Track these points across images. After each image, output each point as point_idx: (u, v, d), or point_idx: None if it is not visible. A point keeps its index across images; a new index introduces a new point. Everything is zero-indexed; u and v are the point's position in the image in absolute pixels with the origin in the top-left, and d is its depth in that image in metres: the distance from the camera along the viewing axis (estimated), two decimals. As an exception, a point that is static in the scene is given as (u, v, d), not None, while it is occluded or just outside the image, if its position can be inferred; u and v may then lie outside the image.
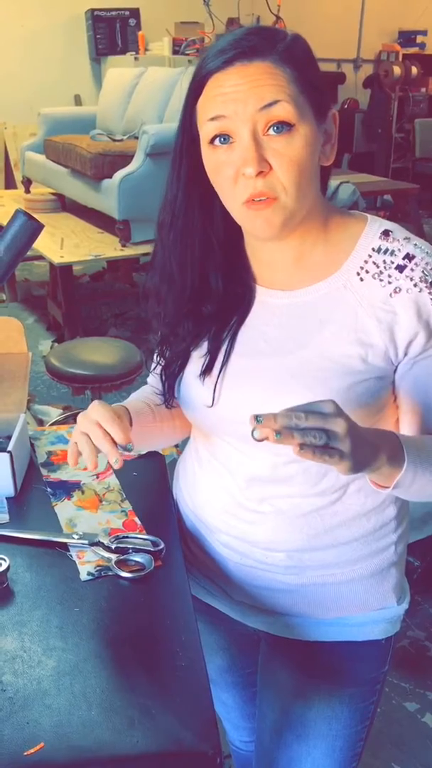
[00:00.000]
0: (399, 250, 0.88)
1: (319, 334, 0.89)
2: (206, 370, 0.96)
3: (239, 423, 0.93)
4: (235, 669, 1.25)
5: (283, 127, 0.80)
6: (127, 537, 1.05)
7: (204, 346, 0.97)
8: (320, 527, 0.95)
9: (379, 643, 1.02)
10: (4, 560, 0.96)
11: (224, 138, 0.83)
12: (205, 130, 0.84)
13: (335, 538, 0.96)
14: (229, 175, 0.84)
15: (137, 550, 1.02)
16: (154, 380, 1.13)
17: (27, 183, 5.24)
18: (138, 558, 1.00)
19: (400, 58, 7.61)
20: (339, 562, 0.97)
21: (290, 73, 0.81)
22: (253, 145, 0.81)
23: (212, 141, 0.84)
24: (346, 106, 7.83)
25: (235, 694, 1.29)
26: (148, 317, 1.02)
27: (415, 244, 0.89)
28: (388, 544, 0.99)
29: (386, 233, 0.90)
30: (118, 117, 4.77)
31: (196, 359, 0.98)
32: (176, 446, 1.40)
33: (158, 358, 1.03)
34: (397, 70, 7.31)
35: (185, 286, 0.95)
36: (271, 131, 0.81)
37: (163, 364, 1.03)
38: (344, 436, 0.72)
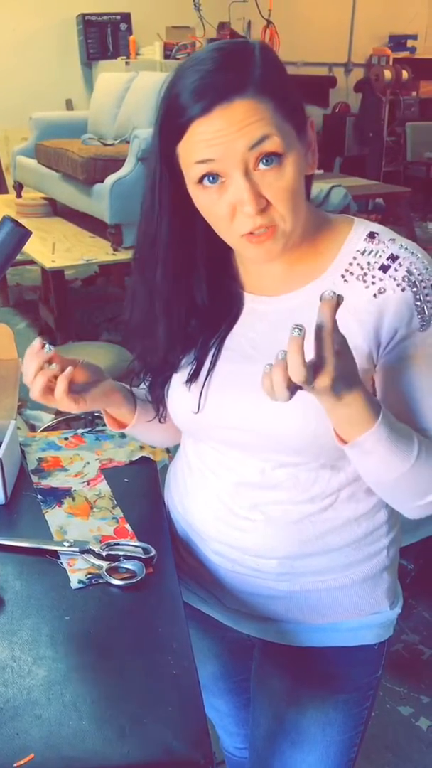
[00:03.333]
0: (383, 251, 0.87)
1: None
2: (192, 377, 0.96)
3: (226, 428, 0.93)
4: (228, 676, 1.25)
5: (272, 159, 0.79)
6: (118, 544, 1.04)
7: (191, 354, 0.97)
8: (311, 534, 0.95)
9: (372, 648, 1.02)
10: (-6, 569, 0.95)
11: (214, 178, 0.81)
12: (193, 171, 0.82)
13: (327, 544, 0.96)
14: (225, 213, 0.82)
15: (128, 558, 1.01)
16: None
17: (18, 187, 5.23)
18: (129, 565, 1.00)
19: (391, 62, 7.64)
20: (331, 567, 0.97)
21: (270, 102, 0.79)
22: (247, 184, 0.79)
23: (200, 181, 0.82)
24: (337, 110, 7.86)
25: (229, 700, 1.28)
26: (134, 354, 1.01)
27: (401, 245, 0.88)
28: (380, 548, 0.98)
29: (372, 235, 0.89)
30: (110, 121, 4.77)
31: (183, 366, 0.97)
32: (168, 451, 1.40)
33: (145, 375, 1.03)
34: (387, 73, 7.34)
35: (174, 315, 0.94)
36: (261, 165, 0.80)
37: (149, 379, 1.02)
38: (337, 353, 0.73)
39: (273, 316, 0.93)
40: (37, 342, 0.92)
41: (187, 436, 1.06)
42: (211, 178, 0.81)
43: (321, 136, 7.12)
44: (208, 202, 0.84)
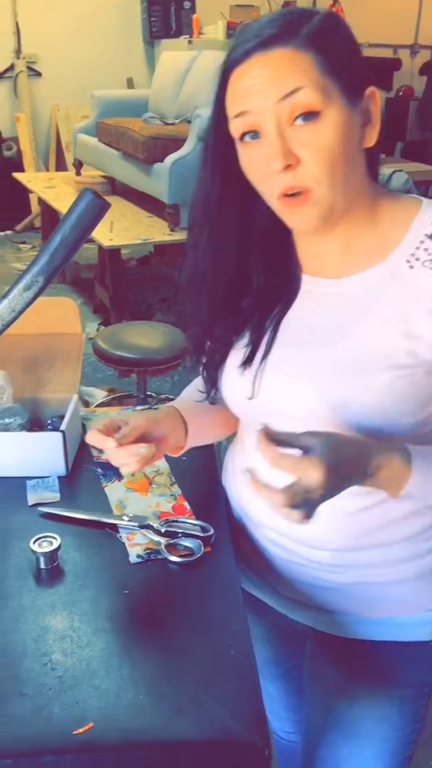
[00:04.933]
0: None
1: (363, 325, 0.86)
2: (247, 361, 0.94)
3: (280, 415, 0.91)
4: (279, 661, 1.24)
5: (309, 115, 0.77)
6: (176, 521, 1.04)
7: (246, 336, 0.95)
8: (367, 526, 0.93)
9: (427, 645, 1.00)
10: (56, 539, 0.96)
11: (253, 134, 0.80)
12: (234, 126, 0.82)
13: (382, 538, 0.93)
14: (262, 171, 0.81)
15: (187, 535, 1.01)
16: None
17: (78, 165, 5.26)
18: (187, 543, 0.99)
19: (459, 45, 7.42)
20: (386, 561, 0.94)
21: (314, 56, 0.77)
22: (278, 138, 0.78)
23: (242, 138, 0.81)
24: (400, 94, 7.67)
25: (279, 686, 1.28)
26: (182, 318, 0.99)
27: None
28: None
29: None
30: (171, 100, 4.74)
31: (238, 350, 0.95)
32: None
33: (198, 355, 1.01)
34: (455, 56, 7.12)
35: (219, 286, 0.93)
36: (298, 121, 0.77)
37: (204, 360, 1.00)
38: (317, 488, 0.73)
39: (332, 300, 0.90)
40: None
41: (243, 422, 1.04)
42: (251, 135, 0.80)
43: (383, 119, 6.94)
44: (248, 160, 0.82)
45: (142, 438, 0.95)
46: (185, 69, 4.73)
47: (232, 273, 0.93)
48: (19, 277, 0.69)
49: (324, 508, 0.93)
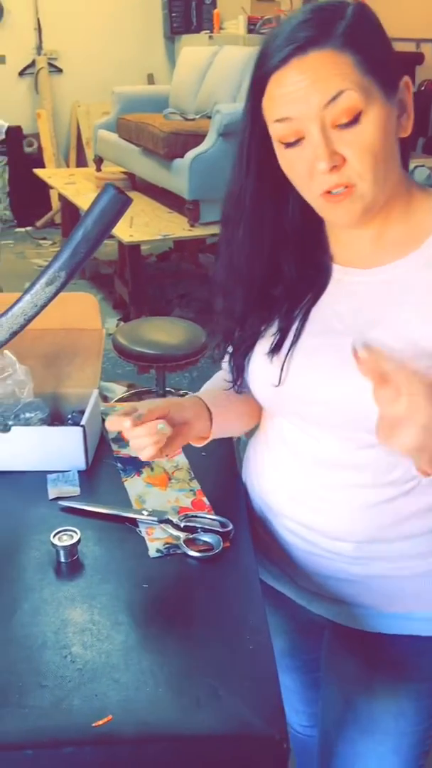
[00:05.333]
0: None
1: (395, 314, 0.86)
2: (275, 349, 0.94)
3: (306, 403, 0.91)
4: (296, 653, 1.24)
5: (353, 117, 0.78)
6: (195, 516, 1.05)
7: (275, 325, 0.95)
8: (390, 518, 0.92)
9: None
10: (75, 533, 0.97)
11: (296, 141, 0.81)
12: (274, 130, 0.82)
13: (405, 530, 0.93)
14: (304, 171, 0.82)
15: (206, 530, 1.01)
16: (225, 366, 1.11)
17: (98, 161, 5.28)
18: (207, 538, 1.00)
19: None
20: (409, 554, 0.94)
21: (353, 56, 0.77)
22: (323, 141, 0.78)
23: (281, 141, 0.82)
24: (422, 88, 7.60)
25: (296, 678, 1.28)
26: (217, 313, 1.00)
27: None
28: None
29: None
30: (191, 96, 4.74)
31: (266, 338, 0.96)
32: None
33: (225, 345, 1.02)
34: None
35: (253, 279, 0.94)
36: (340, 124, 0.78)
37: (231, 349, 1.01)
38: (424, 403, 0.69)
39: (363, 289, 0.90)
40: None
41: (267, 413, 1.04)
42: (292, 140, 0.81)
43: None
44: (289, 161, 0.83)
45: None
46: (206, 64, 4.73)
47: (266, 265, 0.93)
48: (42, 272, 0.70)
49: (346, 498, 0.93)
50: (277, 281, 0.95)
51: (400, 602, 0.97)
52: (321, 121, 0.78)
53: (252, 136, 0.86)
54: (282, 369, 0.93)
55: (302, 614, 1.08)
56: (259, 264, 0.93)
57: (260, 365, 0.96)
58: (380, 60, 0.79)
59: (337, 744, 1.07)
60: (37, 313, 0.70)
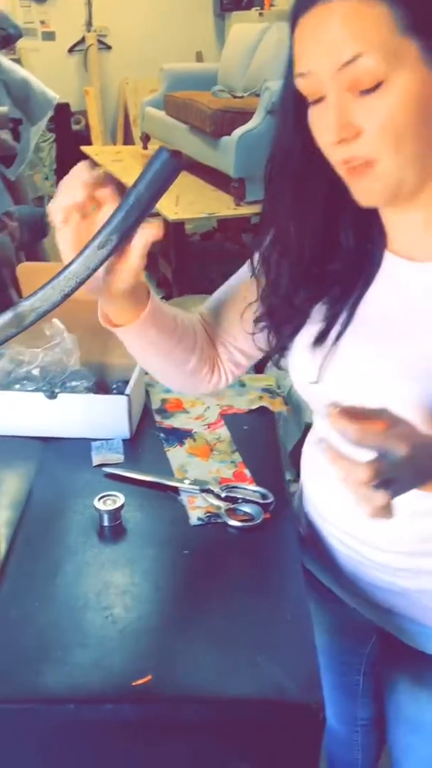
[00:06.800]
0: None
1: None
2: (316, 343, 0.85)
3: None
4: (330, 653, 1.15)
5: (372, 86, 0.66)
6: (237, 487, 1.05)
7: (321, 312, 0.86)
8: None
9: None
10: (119, 497, 0.98)
11: (318, 98, 0.71)
12: (297, 84, 0.72)
13: None
14: (322, 139, 0.73)
15: (247, 501, 1.02)
16: (208, 312, 0.97)
17: (145, 139, 5.26)
18: (247, 508, 1.00)
19: None
20: None
21: (390, 8, 0.64)
22: (334, 110, 0.68)
23: (305, 97, 0.73)
24: None
25: (326, 677, 1.24)
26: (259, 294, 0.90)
27: None
28: None
29: None
30: (240, 73, 4.69)
31: (310, 325, 0.87)
32: (285, 404, 1.39)
33: (271, 324, 0.90)
34: None
35: (303, 251, 0.83)
36: (361, 88, 0.67)
37: (277, 326, 0.90)
38: (403, 464, 0.63)
39: (413, 287, 0.80)
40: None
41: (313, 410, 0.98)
42: (314, 98, 0.71)
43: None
44: (313, 122, 0.73)
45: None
46: (255, 41, 4.67)
47: (320, 236, 0.83)
48: (94, 235, 0.70)
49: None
50: (332, 257, 0.85)
51: None
52: (337, 84, 0.68)
53: (290, 92, 0.75)
54: (321, 366, 0.85)
55: (348, 614, 1.03)
56: (310, 234, 0.82)
57: (300, 358, 0.89)
58: (428, 15, 0.65)
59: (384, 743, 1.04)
60: (88, 276, 0.70)
